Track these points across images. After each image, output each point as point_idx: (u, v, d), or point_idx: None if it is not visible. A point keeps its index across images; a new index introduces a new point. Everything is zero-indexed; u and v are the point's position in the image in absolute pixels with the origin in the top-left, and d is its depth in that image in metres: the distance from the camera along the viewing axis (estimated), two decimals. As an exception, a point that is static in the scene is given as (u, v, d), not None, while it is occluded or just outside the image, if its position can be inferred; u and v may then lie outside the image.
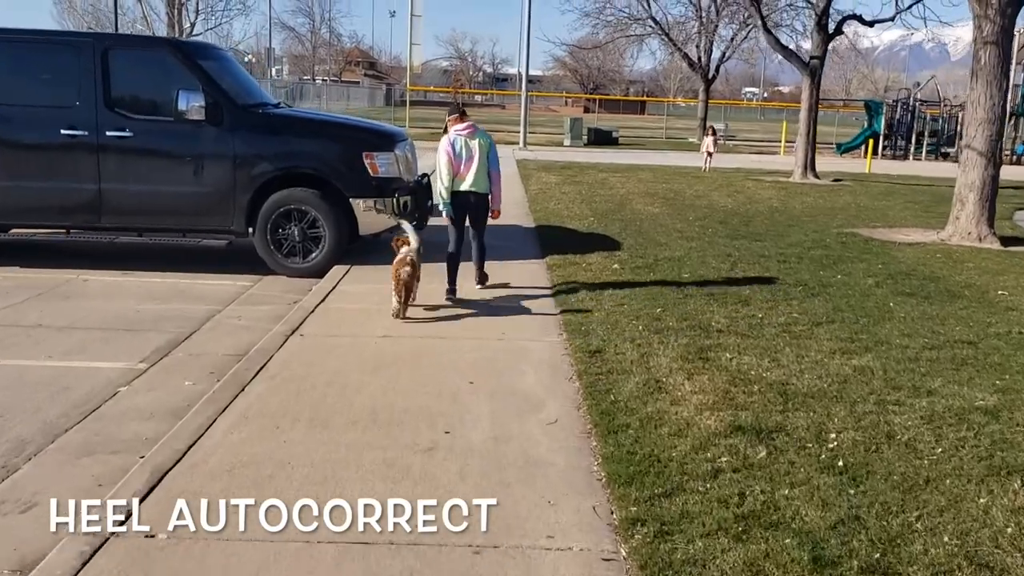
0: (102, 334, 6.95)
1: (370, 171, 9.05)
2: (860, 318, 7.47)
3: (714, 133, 25.03)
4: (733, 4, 36.22)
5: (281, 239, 9.01)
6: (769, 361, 6.10)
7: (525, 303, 7.74)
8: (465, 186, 7.89)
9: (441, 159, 7.85)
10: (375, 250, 9.76)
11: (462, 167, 7.83)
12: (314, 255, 9.06)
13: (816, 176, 20.97)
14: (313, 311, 7.22)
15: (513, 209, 13.93)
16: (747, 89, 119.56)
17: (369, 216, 9.12)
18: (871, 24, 20.76)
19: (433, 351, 6.25)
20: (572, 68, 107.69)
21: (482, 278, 8.32)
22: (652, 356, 6.10)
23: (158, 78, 8.90)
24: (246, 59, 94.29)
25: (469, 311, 7.43)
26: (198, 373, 6.06)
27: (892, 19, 20.79)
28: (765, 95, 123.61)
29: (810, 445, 4.63)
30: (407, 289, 7.09)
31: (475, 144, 7.83)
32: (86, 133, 8.78)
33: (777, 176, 22.24)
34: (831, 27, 20.36)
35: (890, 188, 20.25)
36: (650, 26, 36.55)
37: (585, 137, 34.62)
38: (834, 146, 35.63)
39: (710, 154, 23.47)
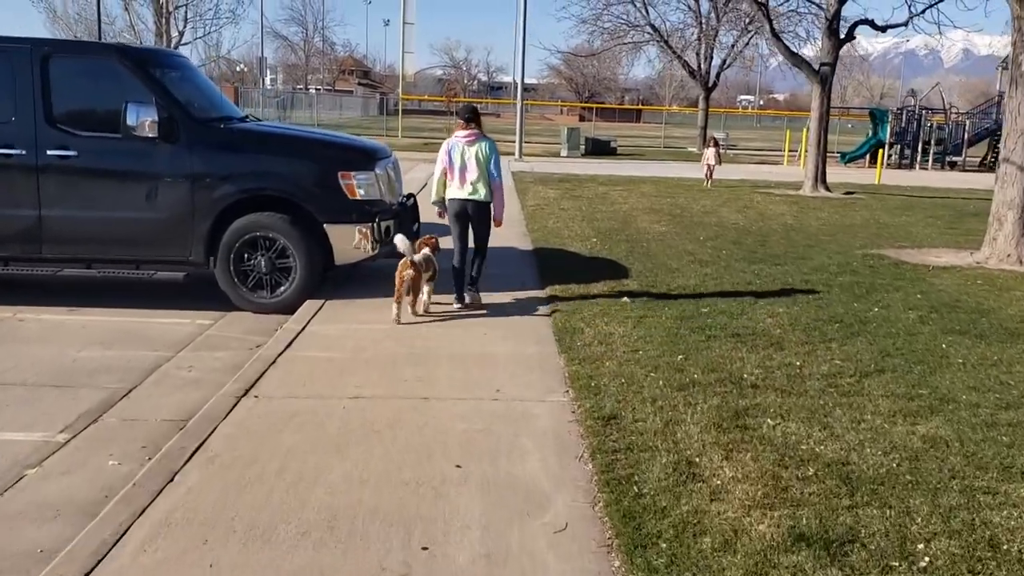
0: (25, 392, 5.87)
1: (347, 193, 7.99)
2: (913, 366, 6.41)
3: (716, 144, 22.14)
4: (733, 10, 35.29)
5: (246, 271, 7.95)
6: (820, 429, 5.04)
7: (523, 347, 6.68)
8: (463, 194, 7.72)
9: (437, 165, 7.88)
10: (353, 282, 8.70)
11: (457, 174, 7.70)
12: (283, 289, 7.99)
13: (827, 189, 19.96)
14: (274, 362, 6.14)
15: (509, 228, 12.86)
16: (742, 97, 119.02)
17: (346, 243, 8.06)
18: (883, 29, 19.78)
19: (414, 417, 5.17)
20: (567, 76, 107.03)
21: (473, 281, 8.07)
22: (679, 423, 5.04)
23: (105, 89, 7.84)
24: (237, 68, 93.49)
25: (459, 355, 6.36)
26: (127, 447, 4.98)
27: (905, 24, 19.81)
28: (761, 103, 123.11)
29: (896, 564, 3.57)
30: (413, 291, 7.35)
31: (473, 151, 7.67)
32: (23, 152, 7.70)
33: (786, 189, 21.22)
34: (842, 32, 19.32)
35: (906, 202, 19.24)
36: (648, 33, 35.57)
37: (583, 147, 33.60)
38: (838, 156, 34.62)
39: (711, 167, 21.03)
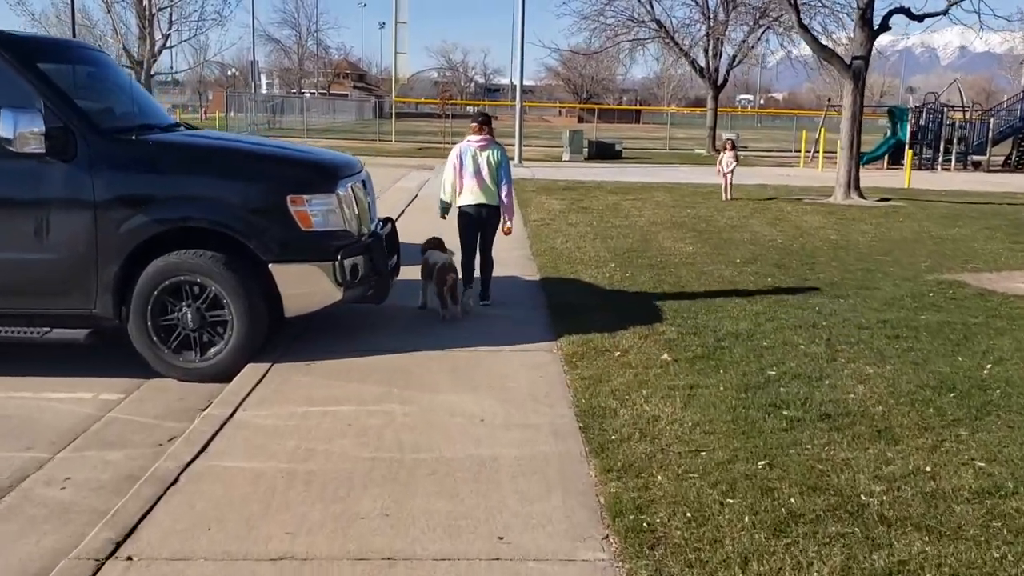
0: None
1: (299, 222, 6.09)
2: (1091, 468, 4.50)
3: (733, 147, 18.60)
4: (743, 5, 33.39)
5: (168, 326, 6.05)
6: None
7: (535, 442, 4.77)
8: (474, 199, 7.68)
9: (447, 167, 7.80)
10: (315, 330, 6.80)
11: (468, 180, 7.66)
12: (217, 349, 6.08)
13: (861, 195, 18.05)
14: (175, 482, 4.22)
15: (511, 250, 10.99)
16: (741, 96, 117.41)
17: (299, 288, 6.16)
18: (920, 19, 17.89)
19: (369, 599, 3.26)
20: (565, 77, 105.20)
21: (485, 295, 7.97)
22: (793, 612, 3.13)
23: (-22, 91, 5.93)
24: (229, 73, 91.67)
25: (445, 463, 4.45)
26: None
27: (945, 12, 17.97)
28: (761, 102, 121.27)
29: None
30: (453, 296, 7.32)
31: (484, 157, 7.66)
32: None
33: (814, 195, 19.33)
34: (876, 22, 17.42)
35: (950, 209, 17.32)
36: (653, 29, 33.63)
37: (585, 150, 31.70)
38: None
39: (728, 176, 17.84)
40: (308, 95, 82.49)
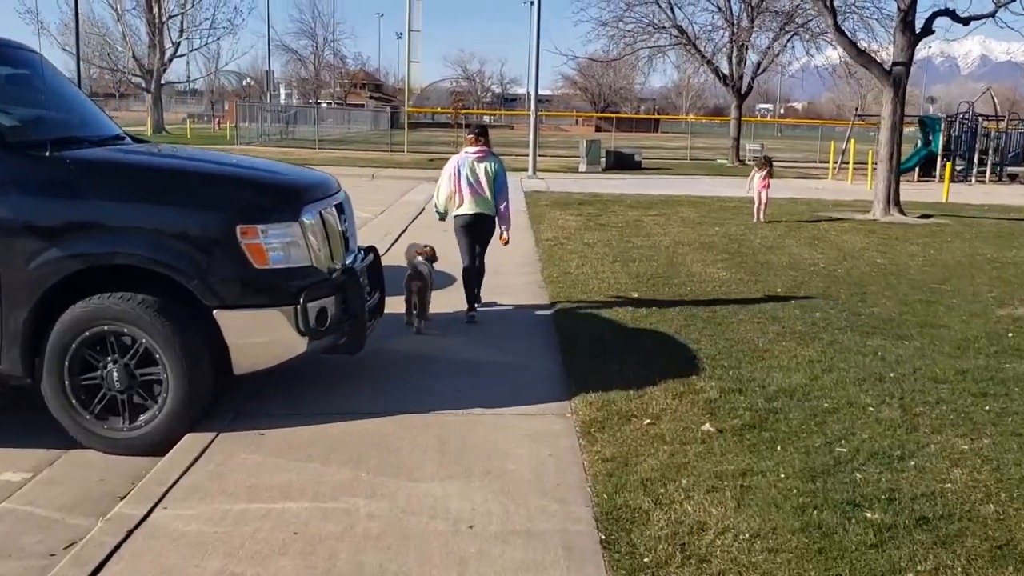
0: None
1: (251, 258, 4.91)
2: None
3: (768, 165, 16.00)
4: (767, 11, 32.10)
5: (89, 386, 4.88)
6: None
7: (543, 567, 3.54)
8: (470, 210, 7.73)
9: (442, 179, 7.88)
10: (270, 394, 5.60)
11: (466, 190, 7.70)
12: (149, 416, 4.91)
13: (902, 212, 16.72)
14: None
15: (519, 274, 9.85)
16: (761, 106, 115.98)
17: (253, 339, 4.99)
18: (965, 21, 16.57)
19: None
20: (582, 86, 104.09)
21: (476, 297, 8.04)
22: None
23: None
24: (244, 82, 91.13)
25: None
26: None
27: (992, 15, 16.66)
28: (781, 111, 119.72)
29: None
30: (420, 303, 7.23)
31: (482, 169, 7.71)
32: None
33: (851, 211, 18.02)
34: (918, 26, 16.13)
35: (1000, 227, 15.97)
36: (674, 36, 32.38)
37: (603, 161, 30.45)
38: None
39: (760, 197, 15.57)
40: (325, 105, 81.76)
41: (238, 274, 4.89)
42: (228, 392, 5.32)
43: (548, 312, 8.17)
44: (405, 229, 13.96)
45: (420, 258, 7.48)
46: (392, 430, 5.02)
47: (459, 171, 7.68)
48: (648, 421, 5.13)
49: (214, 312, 4.86)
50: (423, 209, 16.43)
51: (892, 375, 6.25)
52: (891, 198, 16.61)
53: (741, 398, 5.61)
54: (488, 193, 7.70)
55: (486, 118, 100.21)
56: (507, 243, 8.02)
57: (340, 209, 5.81)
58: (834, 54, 34.13)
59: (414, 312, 7.26)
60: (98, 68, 51.68)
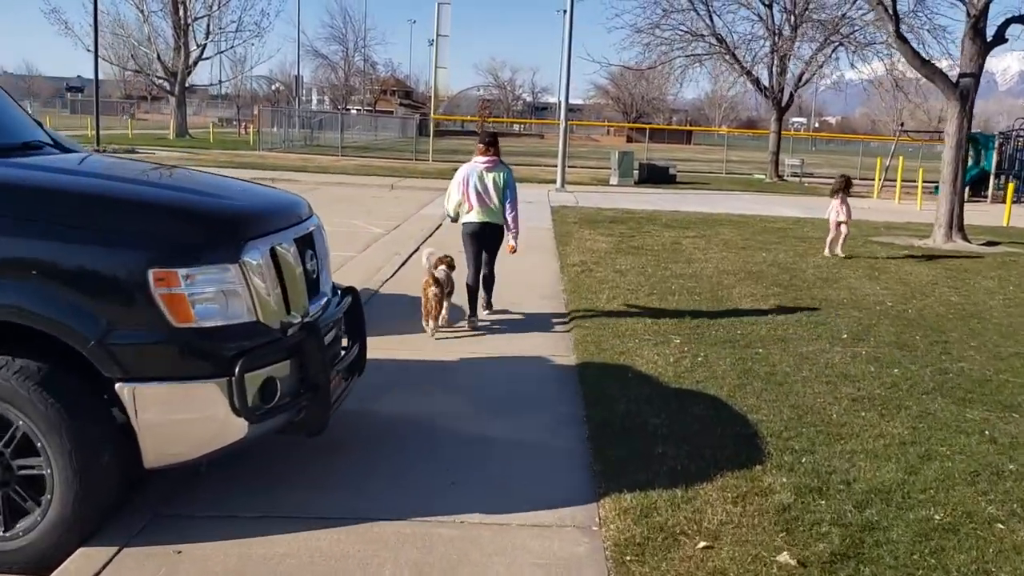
0: None
1: (169, 313, 3.61)
2: None
3: (847, 187, 13.31)
4: (810, 20, 30.57)
5: (-50, 482, 3.63)
6: None
7: None
8: (478, 218, 7.84)
9: (452, 187, 7.94)
10: (201, 486, 4.29)
11: (475, 199, 7.79)
12: (29, 523, 3.64)
13: (965, 238, 15.19)
14: None
15: (541, 307, 8.60)
16: (794, 119, 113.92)
17: (171, 421, 3.70)
18: (1041, 29, 15.07)
19: None
20: (614, 96, 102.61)
21: (488, 304, 8.27)
22: None
23: None
24: (273, 87, 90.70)
25: None
26: None
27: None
28: (816, 125, 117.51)
29: None
30: (437, 308, 7.38)
31: (491, 178, 7.81)
32: None
33: (905, 234, 16.52)
34: (989, 33, 14.63)
35: (1078, 257, 14.39)
36: (712, 44, 30.93)
37: (636, 174, 29.05)
38: (934, 188, 29.50)
39: (840, 227, 13.01)
40: (354, 112, 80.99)
41: (151, 334, 3.60)
42: (141, 489, 4.04)
43: (571, 361, 6.83)
44: (416, 249, 12.68)
45: (442, 267, 7.57)
46: (355, 550, 3.71)
47: (468, 180, 7.81)
48: (703, 544, 3.77)
49: (117, 386, 3.58)
50: (439, 225, 15.15)
51: (1012, 468, 4.85)
52: (954, 223, 15.09)
53: (823, 504, 4.24)
54: (496, 203, 7.82)
55: (516, 127, 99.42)
56: (514, 251, 8.09)
57: (306, 242, 4.51)
58: (879, 67, 32.44)
59: (431, 316, 7.42)
60: (122, 69, 51.14)
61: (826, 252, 13.07)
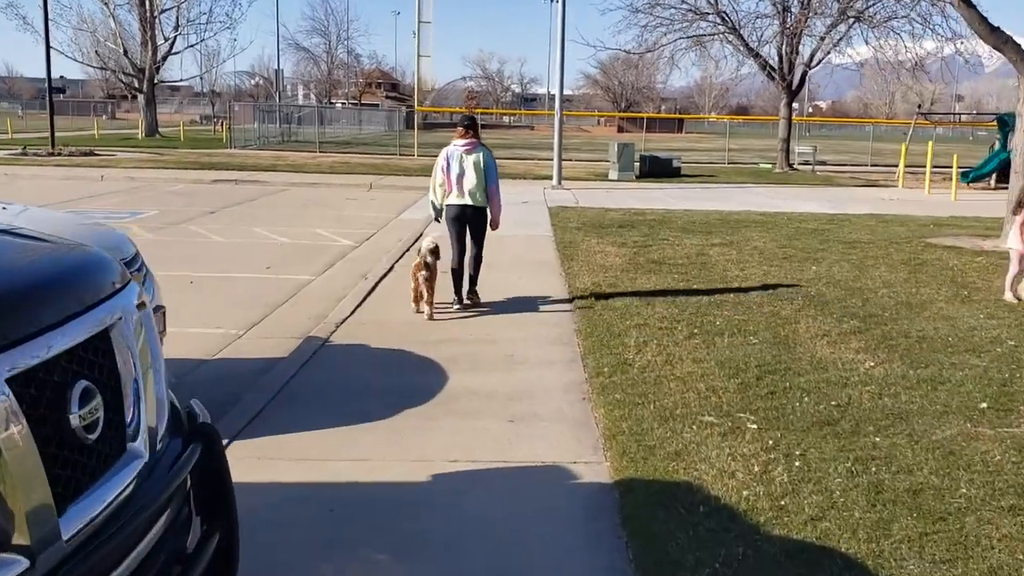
0: None
1: None
2: None
3: None
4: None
5: None
6: None
7: None
8: (459, 200, 7.95)
9: (435, 169, 8.08)
10: None
11: (455, 182, 7.91)
12: None
13: (1042, 238, 12.81)
14: None
15: (550, 367, 6.24)
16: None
17: None
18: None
19: None
20: (604, 86, 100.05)
21: (472, 293, 8.34)
22: None
23: None
24: (252, 82, 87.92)
25: None
26: None
27: None
28: (809, 110, 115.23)
29: None
30: (428, 291, 7.73)
31: (470, 160, 7.90)
32: None
33: (960, 233, 14.23)
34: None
35: None
36: (716, 24, 28.55)
37: (637, 167, 26.67)
38: (961, 175, 27.18)
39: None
40: (338, 106, 78.30)
41: None
42: None
43: (607, 479, 4.47)
44: (391, 268, 10.31)
45: (430, 257, 7.76)
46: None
47: (448, 163, 7.92)
48: None
49: None
50: (421, 233, 12.74)
51: None
52: (1027, 221, 12.72)
53: None
54: (476, 185, 7.91)
55: (506, 119, 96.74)
56: (496, 228, 8.30)
57: (99, 347, 2.12)
58: (887, 46, 29.96)
59: (422, 300, 7.78)
60: (85, 66, 48.48)
61: (1006, 295, 8.94)
